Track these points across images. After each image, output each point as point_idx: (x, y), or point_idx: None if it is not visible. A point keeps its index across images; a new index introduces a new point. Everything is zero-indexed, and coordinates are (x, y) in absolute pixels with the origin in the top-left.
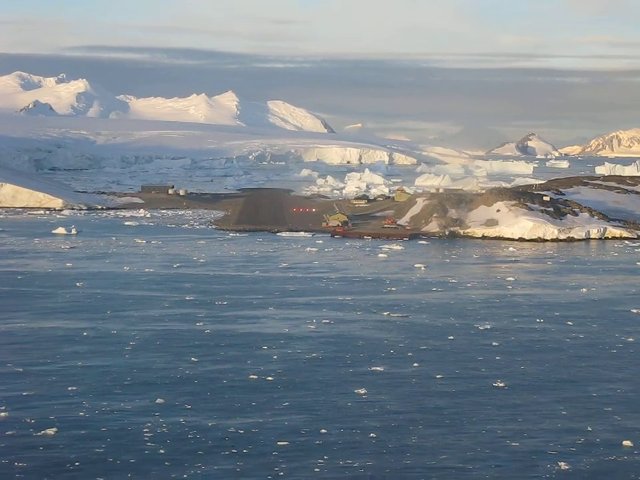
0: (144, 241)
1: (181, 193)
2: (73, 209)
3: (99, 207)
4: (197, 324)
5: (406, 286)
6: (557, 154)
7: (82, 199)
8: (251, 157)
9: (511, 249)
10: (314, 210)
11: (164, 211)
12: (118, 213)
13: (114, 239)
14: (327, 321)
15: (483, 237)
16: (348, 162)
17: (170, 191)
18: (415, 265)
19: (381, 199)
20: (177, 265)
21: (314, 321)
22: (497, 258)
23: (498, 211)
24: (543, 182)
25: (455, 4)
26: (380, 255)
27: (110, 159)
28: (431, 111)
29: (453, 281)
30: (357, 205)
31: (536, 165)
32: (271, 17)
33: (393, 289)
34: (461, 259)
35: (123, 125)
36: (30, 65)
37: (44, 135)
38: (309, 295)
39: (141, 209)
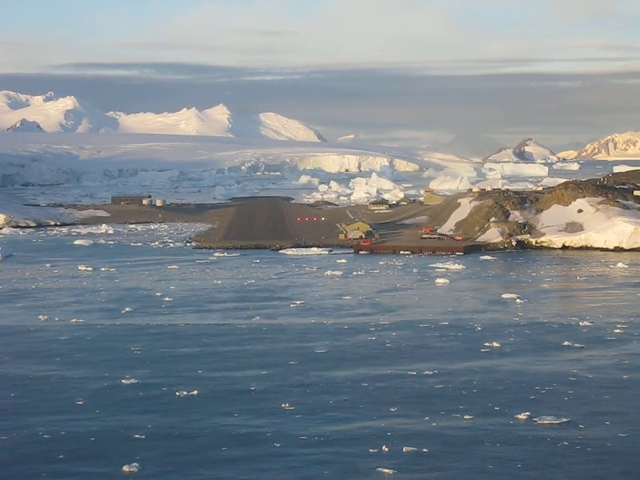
0: (90, 269)
1: (158, 203)
2: (17, 226)
3: (52, 223)
4: None
5: (514, 338)
6: (555, 158)
7: (31, 214)
8: (243, 167)
9: (620, 264)
10: (323, 219)
11: (132, 226)
12: (73, 230)
13: (48, 265)
14: (414, 449)
15: (564, 247)
16: (346, 170)
17: (145, 202)
18: (503, 296)
19: (405, 203)
20: (128, 308)
21: (384, 448)
22: (615, 279)
23: (580, 211)
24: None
25: (444, 12)
26: (438, 281)
27: (92, 172)
28: (422, 120)
29: (587, 323)
30: (376, 212)
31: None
32: (259, 28)
33: (495, 345)
34: (560, 282)
35: (108, 139)
36: (17, 84)
37: (24, 150)
38: (353, 366)
39: (104, 224)
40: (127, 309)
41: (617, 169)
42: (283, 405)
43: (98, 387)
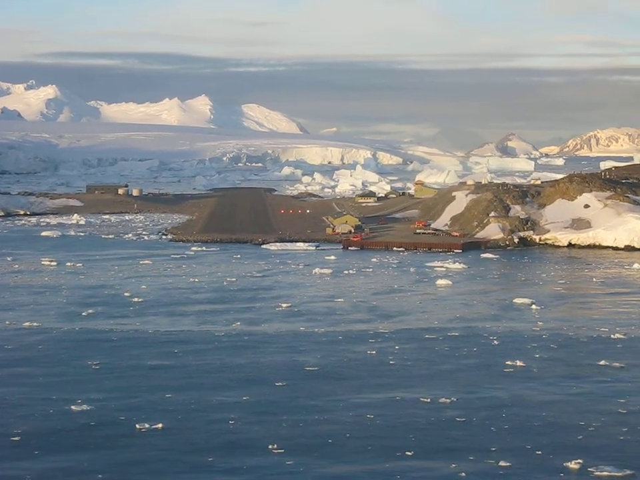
0: (54, 263)
1: (135, 193)
2: None
3: (21, 212)
4: None
5: (540, 354)
6: (538, 154)
7: (0, 202)
8: (225, 158)
9: (636, 265)
10: (308, 211)
11: (106, 216)
12: (42, 220)
13: (9, 259)
14: None
15: (570, 245)
16: (329, 162)
17: (120, 191)
18: (516, 301)
19: (394, 196)
20: (91, 310)
21: None
22: (635, 283)
23: (587, 206)
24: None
25: (431, 5)
26: (439, 282)
27: (70, 161)
28: (406, 114)
29: (620, 336)
30: (364, 205)
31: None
32: (244, 19)
33: (518, 364)
34: (574, 284)
35: (89, 128)
36: None
37: (2, 138)
38: (353, 389)
39: (75, 214)
40: (90, 311)
41: (603, 165)
42: (270, 446)
43: (41, 414)
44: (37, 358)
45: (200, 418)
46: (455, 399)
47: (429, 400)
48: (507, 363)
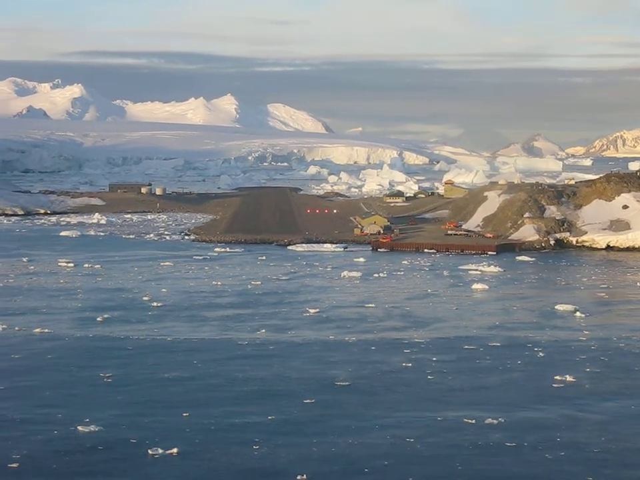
0: (72, 264)
1: (158, 192)
2: (2, 214)
3: (41, 211)
4: None
5: (591, 368)
6: (564, 154)
7: (20, 201)
8: (250, 157)
9: None
10: (335, 211)
11: (128, 216)
12: (62, 219)
13: (25, 260)
14: None
15: (609, 248)
16: (355, 162)
17: (143, 190)
18: (558, 308)
19: (423, 196)
20: (107, 315)
21: None
22: None
23: (625, 207)
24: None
25: (454, 5)
26: (475, 286)
27: (95, 160)
28: (431, 114)
29: None
30: (392, 205)
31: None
32: (269, 18)
33: (568, 379)
34: (618, 289)
35: (113, 127)
36: (25, 71)
37: (27, 136)
38: (388, 408)
39: (97, 213)
40: (105, 316)
41: (632, 166)
42: (300, 476)
43: (44, 436)
44: (44, 368)
45: (220, 441)
46: (502, 420)
47: (473, 421)
48: (555, 377)
